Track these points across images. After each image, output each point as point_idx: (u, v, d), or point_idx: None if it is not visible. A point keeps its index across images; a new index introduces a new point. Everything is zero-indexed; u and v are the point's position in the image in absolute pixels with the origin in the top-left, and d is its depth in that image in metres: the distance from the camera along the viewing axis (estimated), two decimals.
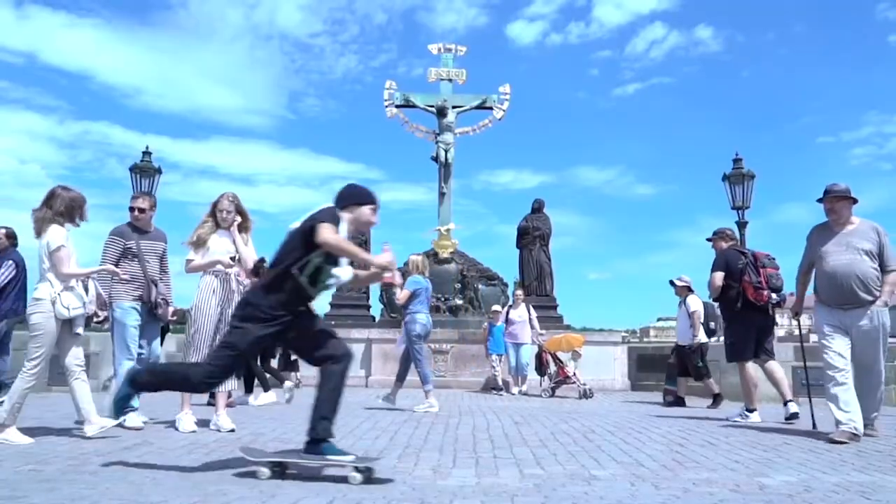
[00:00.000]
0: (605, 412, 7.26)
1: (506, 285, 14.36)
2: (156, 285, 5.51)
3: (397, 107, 14.81)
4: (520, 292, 11.41)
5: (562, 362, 10.21)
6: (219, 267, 5.20)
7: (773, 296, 6.32)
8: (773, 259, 6.51)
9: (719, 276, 6.47)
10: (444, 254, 13.83)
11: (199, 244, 5.20)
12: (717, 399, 8.28)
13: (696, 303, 8.53)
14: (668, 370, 9.10)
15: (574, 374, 10.09)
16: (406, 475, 3.41)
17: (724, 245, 6.80)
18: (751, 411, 6.40)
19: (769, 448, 4.53)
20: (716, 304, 8.33)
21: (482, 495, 2.96)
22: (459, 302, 13.40)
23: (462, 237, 17.30)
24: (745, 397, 6.55)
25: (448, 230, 14.15)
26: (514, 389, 10.52)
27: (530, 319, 10.65)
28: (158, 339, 5.83)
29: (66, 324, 4.64)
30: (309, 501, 2.81)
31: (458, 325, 12.80)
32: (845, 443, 4.63)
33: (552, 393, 10.00)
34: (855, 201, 5.16)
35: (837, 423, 4.80)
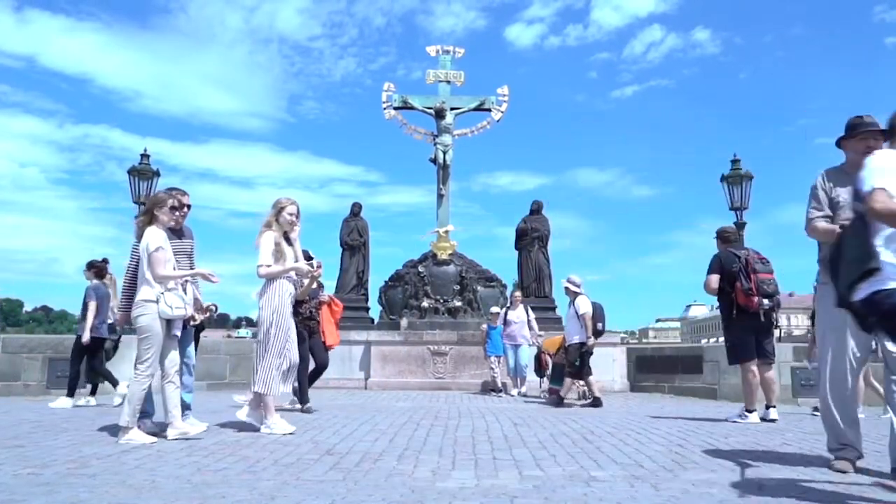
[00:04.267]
0: (604, 413, 7.26)
1: (505, 287, 14.35)
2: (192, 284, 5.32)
3: (396, 109, 14.80)
4: (517, 293, 11.40)
5: None
6: (292, 273, 5.37)
7: (765, 301, 6.30)
8: (768, 263, 6.47)
9: (714, 279, 6.48)
10: (443, 256, 13.81)
11: (279, 252, 5.29)
12: (556, 395, 8.59)
13: (584, 304, 8.38)
14: (553, 370, 9.23)
15: None
16: (405, 477, 3.41)
17: (722, 246, 6.80)
18: (750, 412, 6.40)
19: (768, 448, 4.54)
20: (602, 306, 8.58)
21: (482, 497, 2.95)
22: (458, 304, 13.38)
23: (461, 239, 17.33)
24: (745, 398, 6.55)
25: (447, 232, 14.15)
26: (513, 391, 10.52)
27: (529, 321, 10.65)
28: (193, 343, 5.66)
29: (166, 326, 4.71)
30: (309, 503, 2.81)
31: (457, 326, 12.79)
32: (847, 472, 3.55)
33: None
34: (889, 135, 3.43)
35: (837, 448, 3.73)
